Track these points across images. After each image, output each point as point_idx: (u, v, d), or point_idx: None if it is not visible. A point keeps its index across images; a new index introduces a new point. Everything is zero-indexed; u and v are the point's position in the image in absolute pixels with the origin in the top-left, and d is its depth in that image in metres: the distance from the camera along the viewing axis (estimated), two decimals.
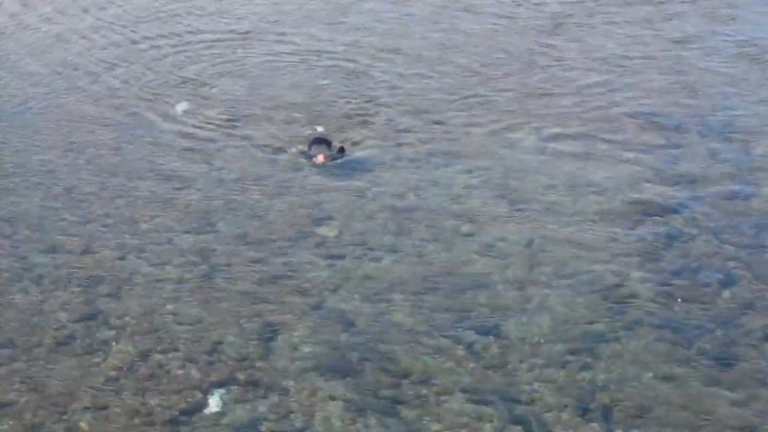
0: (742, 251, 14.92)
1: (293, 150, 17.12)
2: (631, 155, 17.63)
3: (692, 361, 12.59)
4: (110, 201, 16.26)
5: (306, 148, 17.32)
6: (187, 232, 15.43)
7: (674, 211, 15.93)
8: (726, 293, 13.91)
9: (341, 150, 17.21)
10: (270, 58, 21.82)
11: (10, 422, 11.45)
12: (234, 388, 12.07)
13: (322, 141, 17.48)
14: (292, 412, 11.70)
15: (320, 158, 16.52)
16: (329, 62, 21.51)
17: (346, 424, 11.55)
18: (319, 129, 17.75)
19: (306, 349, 12.78)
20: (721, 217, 15.83)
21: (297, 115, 19.00)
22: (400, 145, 18.01)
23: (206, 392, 12.00)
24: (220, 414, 11.68)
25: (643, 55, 21.56)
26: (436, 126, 18.70)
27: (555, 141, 18.10)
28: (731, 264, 14.55)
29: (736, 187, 16.57)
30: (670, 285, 14.08)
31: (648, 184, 16.79)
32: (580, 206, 16.10)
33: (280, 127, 18.66)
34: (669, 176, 16.97)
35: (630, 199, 16.32)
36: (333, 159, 16.93)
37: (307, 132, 17.64)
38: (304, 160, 17.02)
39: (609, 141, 18.15)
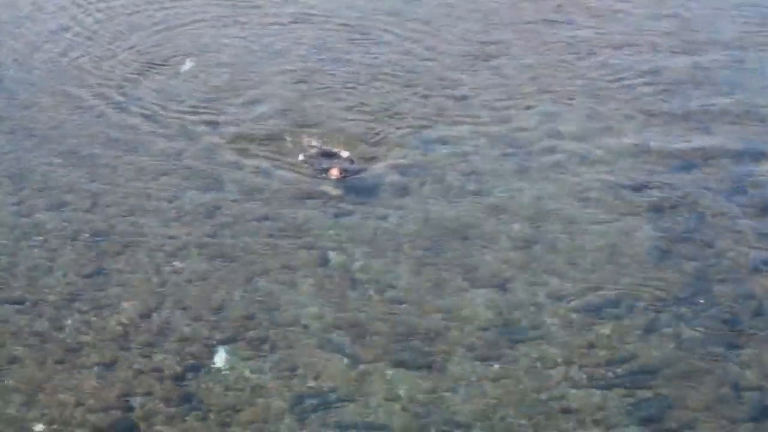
0: (749, 209, 14.94)
1: (300, 158, 15.97)
2: (637, 115, 17.52)
3: (696, 320, 12.54)
4: (116, 159, 16.14)
5: (313, 158, 15.95)
6: (193, 189, 15.34)
7: (681, 169, 15.85)
8: (732, 254, 13.84)
9: (351, 161, 15.90)
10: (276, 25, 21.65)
11: (17, 378, 11.43)
12: (240, 345, 12.03)
13: (330, 154, 16.06)
14: (297, 369, 11.66)
15: (335, 172, 15.38)
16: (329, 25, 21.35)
17: (351, 381, 11.51)
18: (314, 143, 16.49)
19: (311, 307, 12.72)
20: (726, 177, 15.78)
21: (297, 82, 18.95)
22: (405, 106, 17.92)
23: (212, 349, 11.97)
24: (226, 371, 11.65)
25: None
26: (442, 87, 18.54)
27: (560, 102, 17.96)
28: (737, 223, 14.52)
29: (744, 150, 16.69)
30: (676, 243, 14.00)
31: (654, 143, 16.69)
32: (588, 166, 15.99)
33: (283, 87, 18.59)
34: (676, 138, 16.89)
35: (638, 160, 16.22)
36: (346, 172, 15.51)
37: (305, 140, 16.54)
38: (309, 168, 15.83)
39: (615, 100, 18.01)
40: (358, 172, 15.59)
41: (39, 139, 16.68)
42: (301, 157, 15.87)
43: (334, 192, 15.07)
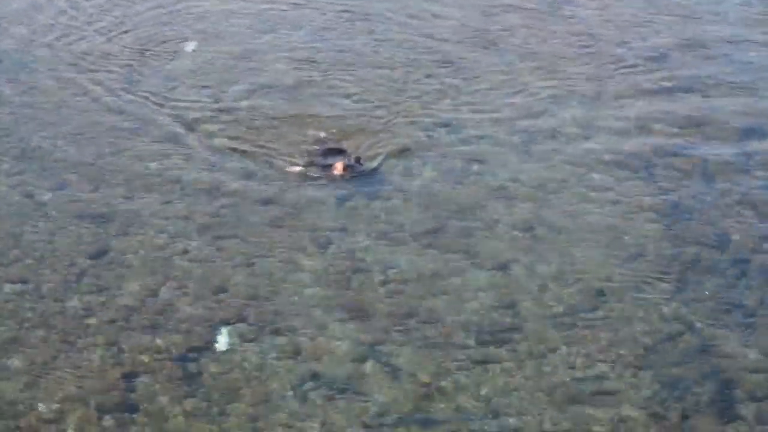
0: (754, 188, 14.87)
1: (296, 168, 15.11)
2: (642, 98, 17.44)
3: (701, 301, 12.51)
4: (117, 141, 16.09)
5: (316, 159, 15.43)
6: (195, 171, 15.29)
7: (686, 154, 15.79)
8: (736, 236, 13.79)
9: (358, 160, 15.29)
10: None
11: (21, 358, 11.41)
12: (243, 326, 12.00)
13: (336, 151, 15.47)
14: (300, 350, 11.64)
15: (339, 167, 14.68)
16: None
17: (353, 363, 11.48)
18: (322, 134, 16.25)
19: (315, 288, 12.69)
20: (731, 161, 15.73)
21: (299, 66, 18.89)
22: (408, 90, 17.84)
23: (215, 330, 11.94)
24: (229, 352, 11.62)
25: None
26: (445, 71, 18.45)
27: (565, 85, 17.88)
28: (743, 202, 14.46)
29: (748, 129, 16.59)
30: (680, 229, 13.95)
31: (658, 125, 16.63)
32: (592, 148, 15.94)
33: (286, 71, 18.51)
34: (679, 119, 16.81)
35: (641, 142, 16.16)
36: (353, 169, 14.96)
37: (311, 133, 16.36)
38: (313, 174, 15.16)
39: (619, 83, 17.94)
40: (363, 168, 15.10)
41: (40, 121, 16.62)
42: (299, 167, 15.05)
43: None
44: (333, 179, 14.79)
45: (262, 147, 15.90)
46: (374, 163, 15.19)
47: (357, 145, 15.82)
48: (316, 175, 14.89)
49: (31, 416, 10.59)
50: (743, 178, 15.09)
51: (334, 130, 16.18)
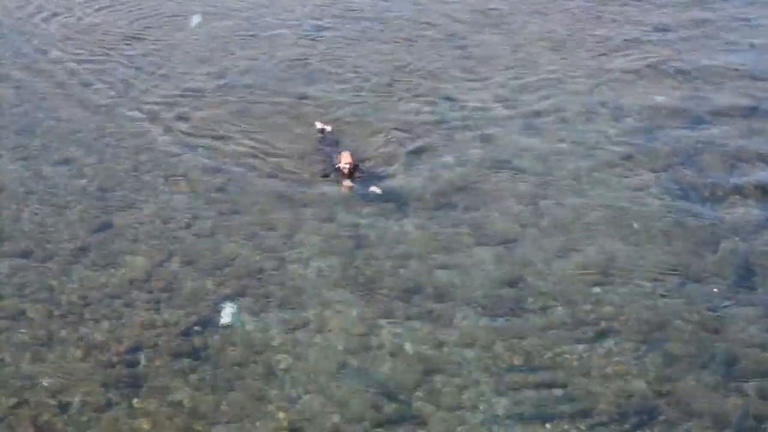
0: (758, 165, 14.79)
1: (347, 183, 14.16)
2: (647, 73, 17.34)
3: (707, 277, 12.43)
4: (123, 115, 16.02)
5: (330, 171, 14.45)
6: (200, 146, 15.20)
7: (690, 122, 15.72)
8: (739, 209, 13.71)
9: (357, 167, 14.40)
10: None
11: (25, 332, 11.36)
12: (246, 300, 11.93)
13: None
14: (304, 324, 11.57)
15: (346, 159, 14.18)
16: None
17: (357, 336, 11.41)
18: (328, 128, 15.67)
19: (319, 262, 12.60)
20: (736, 125, 15.65)
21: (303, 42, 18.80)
22: (413, 67, 17.73)
23: (219, 304, 11.88)
24: (233, 326, 11.56)
25: None
26: (451, 49, 18.32)
27: (569, 58, 17.76)
28: (746, 179, 14.41)
29: (751, 104, 16.52)
30: (685, 199, 13.87)
31: (661, 98, 16.54)
32: (595, 121, 15.85)
33: (290, 47, 18.39)
34: (683, 88, 16.73)
35: (645, 113, 16.07)
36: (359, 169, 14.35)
37: (317, 126, 15.71)
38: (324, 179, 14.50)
39: (625, 59, 17.82)
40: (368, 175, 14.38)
41: (44, 96, 16.53)
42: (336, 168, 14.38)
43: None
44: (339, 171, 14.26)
45: (267, 122, 15.85)
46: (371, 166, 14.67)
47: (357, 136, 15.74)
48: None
49: (36, 390, 10.55)
50: (749, 156, 15.00)
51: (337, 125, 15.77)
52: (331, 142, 15.19)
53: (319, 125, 15.56)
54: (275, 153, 14.94)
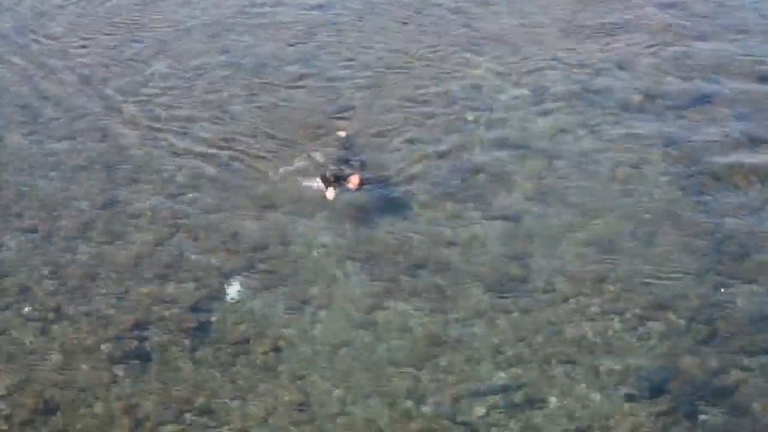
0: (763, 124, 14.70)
1: (315, 184, 13.32)
2: (652, 45, 17.17)
3: (711, 253, 12.34)
4: (127, 90, 15.89)
5: (332, 176, 13.35)
6: (205, 121, 15.10)
7: (693, 101, 15.58)
8: (747, 183, 13.60)
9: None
10: None
11: (32, 307, 11.33)
12: (252, 276, 11.87)
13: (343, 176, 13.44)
14: (309, 300, 11.51)
15: (355, 180, 13.14)
16: None
17: (363, 313, 11.37)
18: (342, 134, 14.74)
19: (324, 238, 12.54)
20: (744, 107, 15.52)
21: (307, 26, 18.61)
22: (420, 43, 17.57)
23: (225, 280, 11.82)
24: (239, 301, 11.51)
25: None
26: (457, 26, 18.13)
27: (576, 38, 17.57)
28: (753, 152, 14.32)
29: (755, 60, 16.37)
30: (692, 177, 13.78)
31: (669, 78, 16.37)
32: (601, 98, 15.71)
33: (296, 11, 18.26)
34: (687, 66, 16.58)
35: (650, 90, 15.92)
36: (367, 180, 13.37)
37: (333, 135, 14.82)
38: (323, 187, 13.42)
39: (631, 33, 17.63)
40: (380, 181, 13.61)
41: (50, 70, 16.41)
42: (316, 182, 13.33)
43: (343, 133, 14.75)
44: (348, 190, 13.19)
45: (269, 98, 15.72)
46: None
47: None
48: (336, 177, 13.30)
49: (43, 365, 10.52)
50: (754, 114, 14.89)
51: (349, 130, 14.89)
52: (346, 146, 14.28)
53: (341, 133, 14.61)
54: (277, 130, 14.82)
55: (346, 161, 13.81)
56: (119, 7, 18.36)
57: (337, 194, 13.12)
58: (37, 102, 15.44)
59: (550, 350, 10.85)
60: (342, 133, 14.66)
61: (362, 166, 13.68)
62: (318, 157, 14.04)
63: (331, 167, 13.48)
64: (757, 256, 12.34)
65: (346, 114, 15.18)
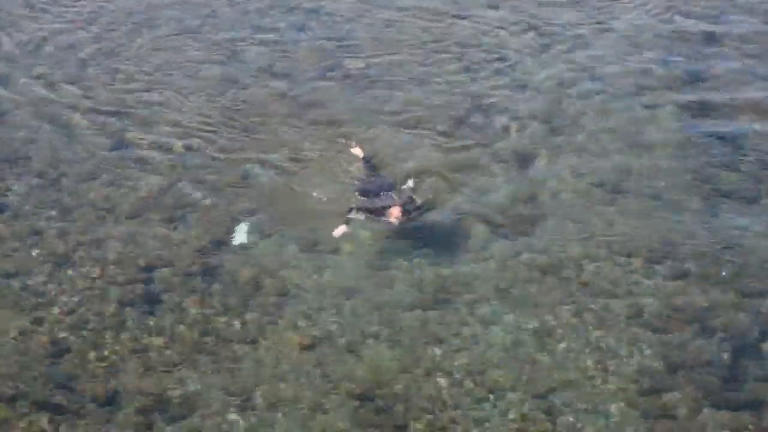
0: None
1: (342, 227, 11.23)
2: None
3: (717, 198, 12.15)
4: (135, 33, 15.69)
5: (370, 202, 11.56)
6: (214, 64, 14.89)
7: (703, 46, 15.34)
8: (755, 122, 13.40)
9: (412, 200, 11.58)
10: None
11: (42, 250, 11.21)
12: (261, 219, 11.72)
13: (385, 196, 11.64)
14: (318, 243, 11.34)
15: (395, 212, 11.12)
16: None
17: (372, 255, 11.21)
18: (360, 152, 12.55)
19: (333, 183, 12.30)
20: (753, 46, 15.26)
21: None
22: None
23: (233, 224, 11.67)
24: (247, 244, 11.36)
25: None
26: None
27: None
28: (762, 89, 14.06)
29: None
30: (700, 117, 13.56)
31: (678, 17, 16.12)
32: (610, 42, 15.48)
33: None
34: (695, 10, 16.31)
35: (659, 30, 15.67)
36: (409, 213, 11.37)
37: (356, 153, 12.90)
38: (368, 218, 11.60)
39: None
40: (420, 210, 11.64)
41: (56, 13, 16.22)
42: (352, 213, 11.28)
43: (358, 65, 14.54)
44: (389, 224, 11.36)
45: (278, 37, 15.52)
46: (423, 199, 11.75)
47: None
48: (372, 219, 11.44)
49: (52, 308, 10.45)
50: (761, 72, 14.65)
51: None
52: (371, 168, 12.40)
53: (357, 151, 12.72)
54: (286, 73, 14.65)
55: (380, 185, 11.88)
56: None
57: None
58: (42, 44, 15.28)
59: (558, 292, 10.70)
60: (357, 151, 12.75)
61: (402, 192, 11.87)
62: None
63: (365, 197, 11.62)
64: (763, 203, 12.17)
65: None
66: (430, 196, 11.99)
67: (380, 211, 11.20)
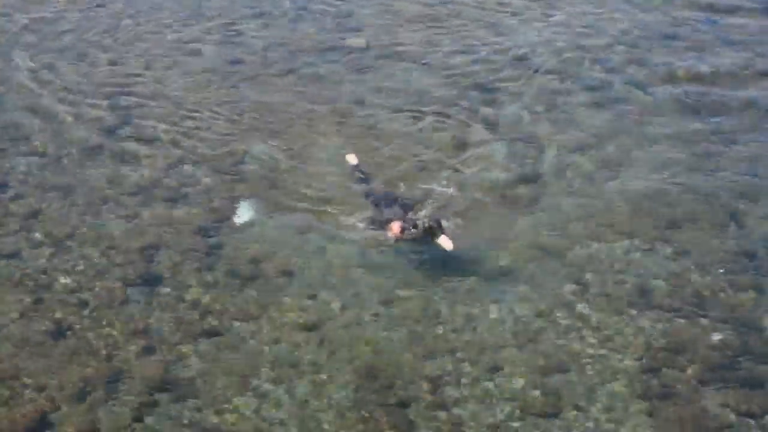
0: None
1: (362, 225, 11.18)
2: None
3: (722, 171, 12.05)
4: (136, 14, 15.60)
5: (375, 211, 11.29)
6: (216, 43, 14.79)
7: (709, 12, 15.25)
8: (760, 94, 13.27)
9: (415, 224, 10.66)
10: None
11: (42, 230, 11.13)
12: (263, 199, 11.64)
13: (394, 202, 11.33)
14: (321, 222, 11.28)
15: (395, 229, 10.70)
16: None
17: (374, 236, 11.12)
18: (355, 161, 11.96)
19: (335, 163, 12.27)
20: (759, 17, 15.15)
21: None
22: None
23: (235, 203, 11.59)
24: (249, 224, 11.29)
25: None
26: None
27: None
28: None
29: None
30: (703, 87, 13.45)
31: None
32: (613, 17, 15.43)
33: None
34: None
35: (662, 14, 15.58)
36: (409, 231, 10.66)
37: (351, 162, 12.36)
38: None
39: None
40: (422, 232, 10.65)
41: None
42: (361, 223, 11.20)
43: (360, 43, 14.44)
44: (386, 237, 10.92)
45: (283, 14, 15.42)
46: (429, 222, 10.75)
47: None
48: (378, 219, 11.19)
49: (54, 287, 10.39)
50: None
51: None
52: (365, 180, 11.94)
53: (352, 161, 12.16)
54: (289, 50, 14.55)
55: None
56: None
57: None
58: (43, 26, 15.19)
59: (560, 272, 10.65)
60: (352, 159, 12.24)
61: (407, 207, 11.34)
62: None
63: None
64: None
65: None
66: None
67: (382, 222, 10.92)
